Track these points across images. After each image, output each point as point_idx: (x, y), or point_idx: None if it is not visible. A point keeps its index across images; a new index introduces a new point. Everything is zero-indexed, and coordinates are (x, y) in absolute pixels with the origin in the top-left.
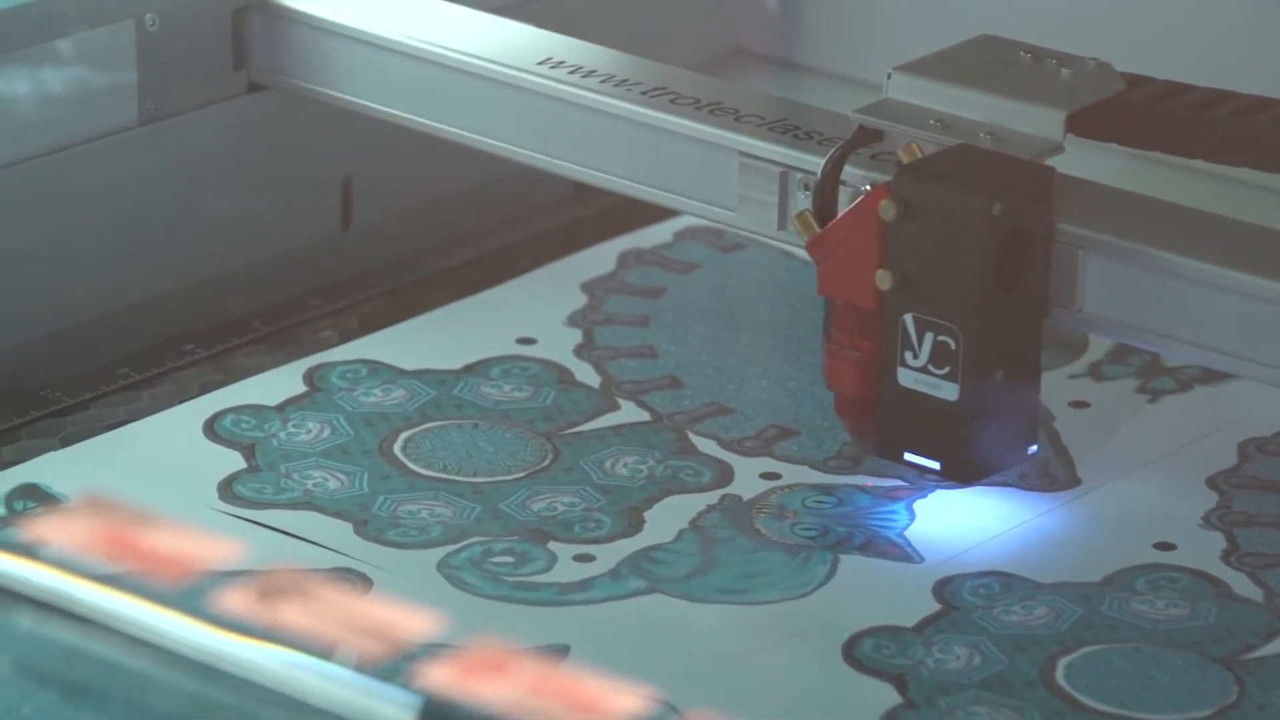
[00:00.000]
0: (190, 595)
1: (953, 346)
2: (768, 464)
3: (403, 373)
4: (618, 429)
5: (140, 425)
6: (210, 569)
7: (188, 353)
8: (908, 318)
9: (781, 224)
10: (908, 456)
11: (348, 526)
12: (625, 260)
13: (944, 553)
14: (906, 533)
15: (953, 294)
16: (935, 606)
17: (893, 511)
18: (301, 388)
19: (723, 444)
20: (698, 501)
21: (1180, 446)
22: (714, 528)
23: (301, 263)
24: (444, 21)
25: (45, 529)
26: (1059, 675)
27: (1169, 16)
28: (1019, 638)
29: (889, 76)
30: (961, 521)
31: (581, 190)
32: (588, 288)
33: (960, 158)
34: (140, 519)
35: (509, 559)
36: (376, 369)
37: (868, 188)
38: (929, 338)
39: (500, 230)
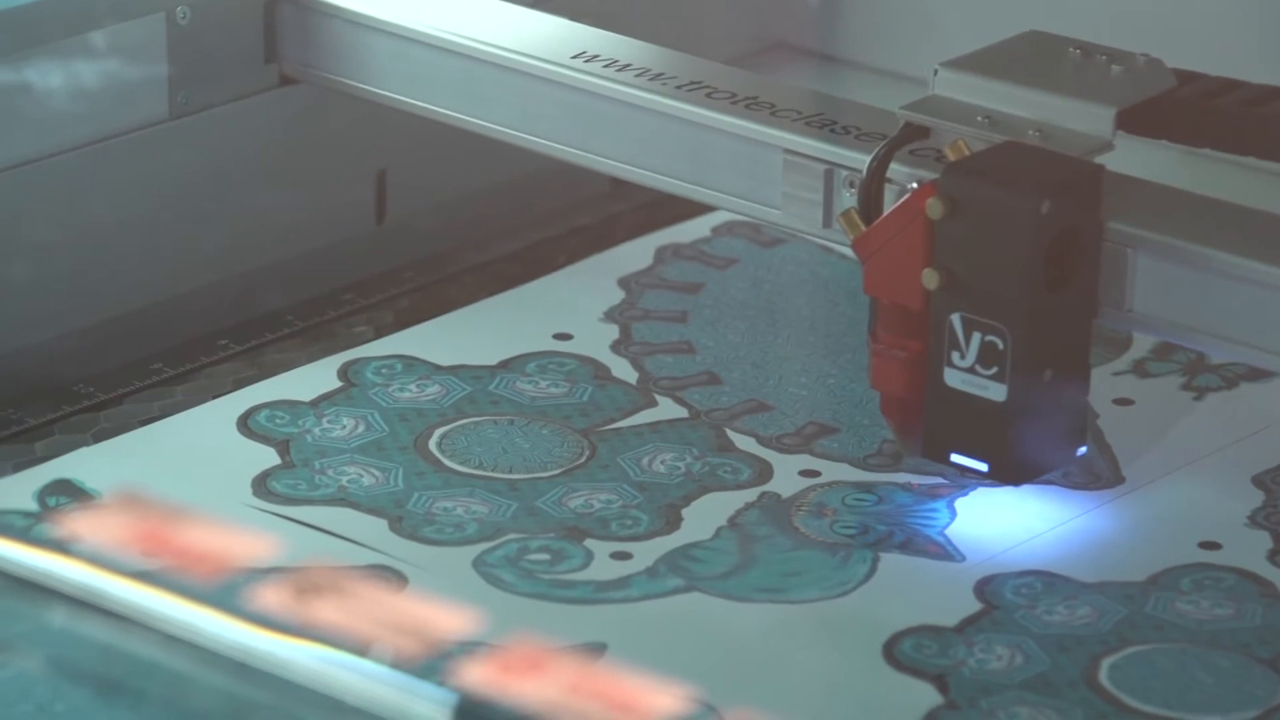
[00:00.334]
0: (225, 592)
1: (1001, 346)
2: (807, 461)
3: (438, 368)
4: (655, 425)
5: (174, 421)
6: (245, 566)
7: (221, 348)
8: (955, 317)
9: (826, 222)
10: (954, 458)
11: (383, 523)
12: (663, 255)
13: (986, 551)
14: (948, 531)
15: (1001, 293)
16: (977, 606)
17: (934, 509)
18: (336, 383)
19: (761, 441)
20: (736, 499)
21: (1226, 444)
22: (752, 525)
23: (336, 258)
24: (477, 15)
25: (79, 525)
26: (1103, 676)
27: (1220, 12)
28: (1062, 638)
29: (935, 72)
30: (1004, 520)
31: (618, 185)
32: (625, 283)
33: (1008, 155)
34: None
35: (545, 556)
36: (412, 365)
37: (914, 185)
38: (976, 337)
39: (536, 225)
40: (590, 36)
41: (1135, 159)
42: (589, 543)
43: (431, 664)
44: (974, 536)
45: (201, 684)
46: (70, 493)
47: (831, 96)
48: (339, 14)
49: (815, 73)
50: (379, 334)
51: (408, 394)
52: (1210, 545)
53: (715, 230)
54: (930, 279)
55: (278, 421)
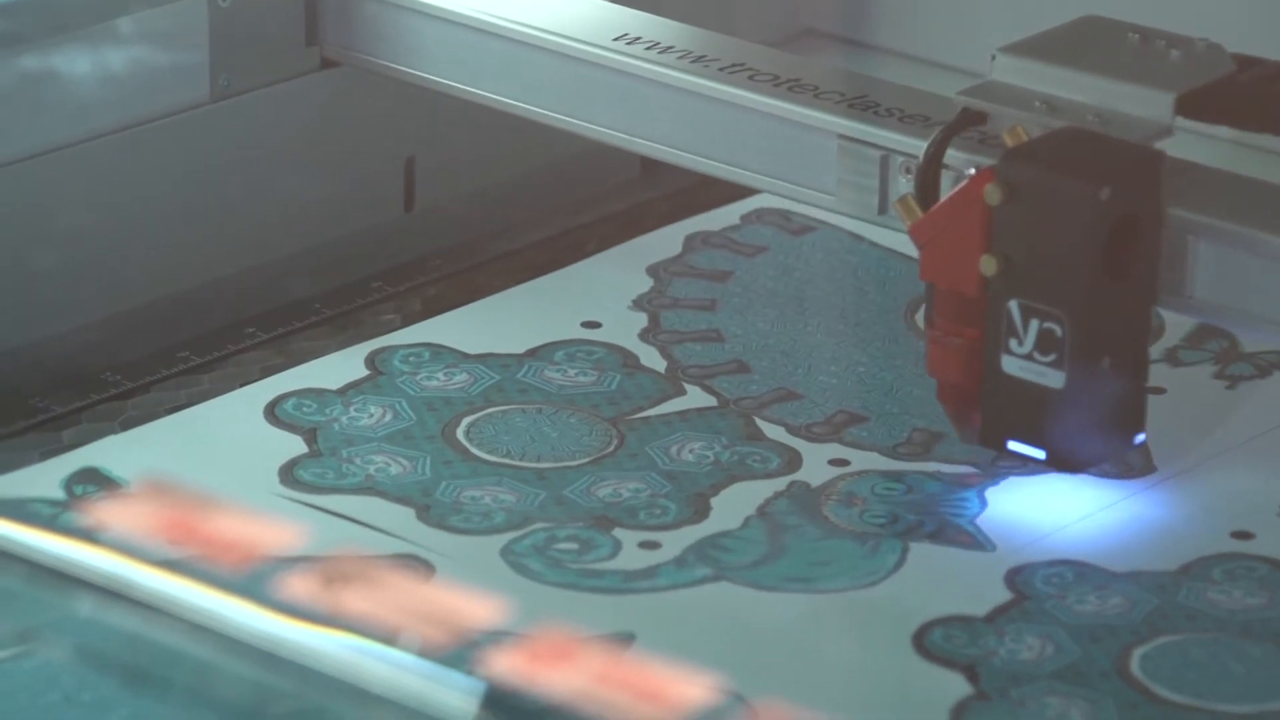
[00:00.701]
0: (252, 581)
1: (1059, 333)
2: (836, 450)
3: (466, 356)
4: (684, 414)
5: (201, 409)
6: (271, 555)
7: (249, 336)
8: (1013, 304)
9: (882, 208)
10: (1011, 445)
11: (410, 512)
12: (692, 243)
13: (1016, 541)
14: (978, 520)
15: (1060, 280)
16: (1007, 595)
17: (964, 499)
18: (363, 371)
19: (791, 430)
20: (765, 488)
21: (1259, 433)
22: (782, 515)
23: (364, 245)
24: None
25: (105, 513)
26: (1134, 666)
27: None
28: (1093, 628)
29: (993, 57)
30: (1034, 509)
31: (647, 173)
32: (653, 271)
33: (1067, 141)
34: (201, 504)
35: (573, 546)
36: (439, 353)
37: (972, 171)
38: (1034, 324)
39: (564, 213)
40: (630, 19)
41: (1191, 144)
42: (617, 532)
43: (459, 653)
44: (1005, 526)
45: (228, 673)
46: (97, 481)
47: (877, 79)
48: None
49: (845, 60)
50: (406, 322)
51: (435, 382)
52: (1243, 535)
53: (744, 218)
54: (988, 265)
55: (305, 410)
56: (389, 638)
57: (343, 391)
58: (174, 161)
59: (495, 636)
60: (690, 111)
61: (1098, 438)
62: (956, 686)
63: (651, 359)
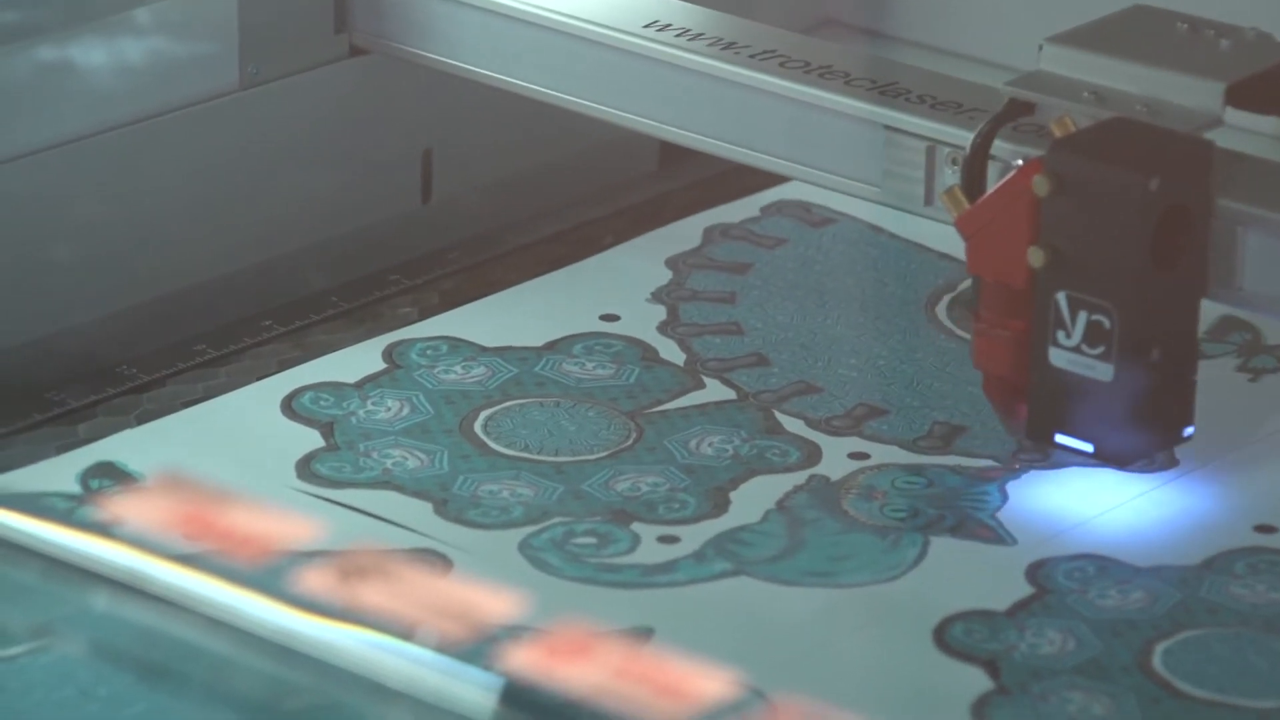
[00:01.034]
0: (268, 575)
1: (1107, 326)
2: (856, 444)
3: (484, 350)
4: (703, 408)
5: (217, 402)
6: (288, 549)
7: (265, 329)
8: (1060, 296)
9: (928, 200)
10: (1059, 438)
11: (428, 506)
12: (711, 235)
13: (1037, 535)
14: (999, 514)
15: (1109, 272)
16: (1028, 590)
17: (985, 493)
18: (381, 365)
19: (810, 423)
20: (784, 482)
21: None
22: (801, 509)
23: (381, 238)
24: None
25: (121, 508)
26: (1156, 661)
27: None
28: (1115, 622)
29: (1040, 48)
30: (1056, 503)
31: (666, 164)
32: (672, 263)
33: (1116, 131)
34: (217, 498)
35: (592, 540)
36: (457, 346)
37: (1019, 162)
38: (1082, 317)
39: (583, 205)
40: (659, 5)
41: (1239, 135)
42: (636, 526)
43: (477, 648)
44: (1026, 520)
45: (245, 668)
46: (113, 475)
47: (909, 65)
48: None
49: (866, 50)
50: (424, 315)
51: (453, 376)
52: (1266, 529)
53: (764, 210)
54: (1035, 257)
55: (322, 403)
56: (406, 632)
57: (360, 385)
58: (196, 153)
59: (513, 631)
60: (723, 99)
61: (1146, 431)
62: (977, 681)
63: (670, 352)
